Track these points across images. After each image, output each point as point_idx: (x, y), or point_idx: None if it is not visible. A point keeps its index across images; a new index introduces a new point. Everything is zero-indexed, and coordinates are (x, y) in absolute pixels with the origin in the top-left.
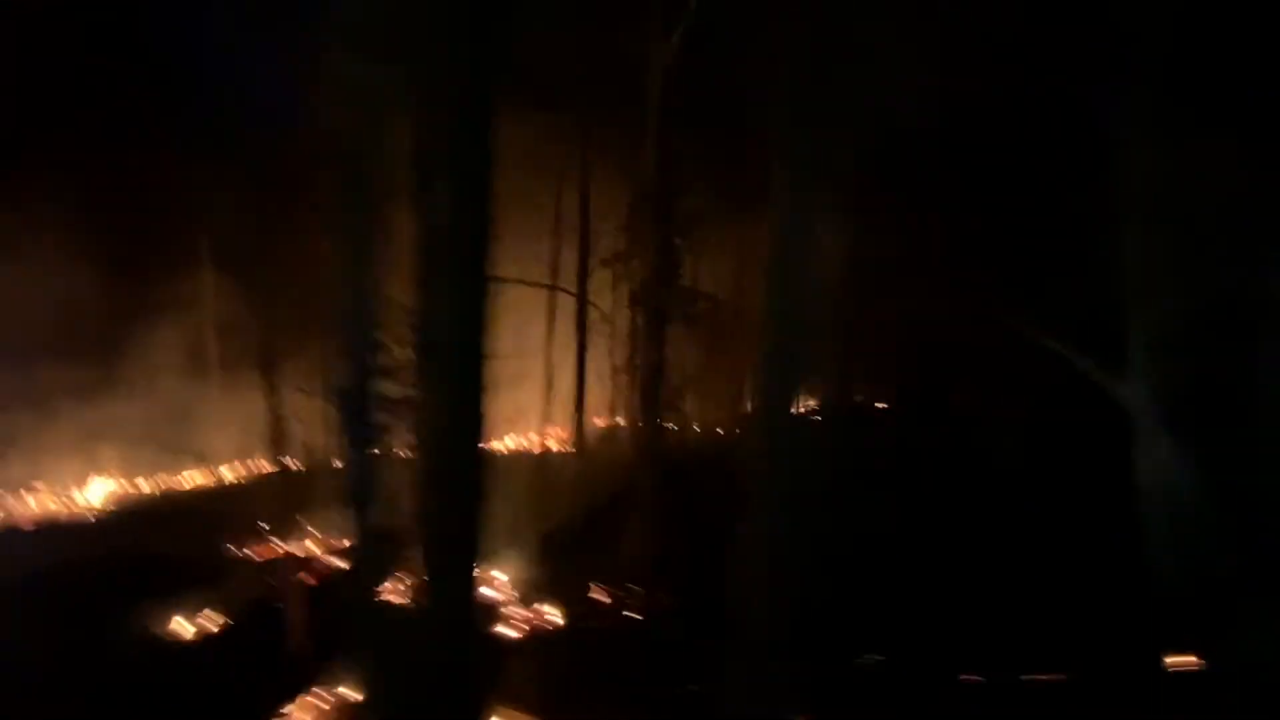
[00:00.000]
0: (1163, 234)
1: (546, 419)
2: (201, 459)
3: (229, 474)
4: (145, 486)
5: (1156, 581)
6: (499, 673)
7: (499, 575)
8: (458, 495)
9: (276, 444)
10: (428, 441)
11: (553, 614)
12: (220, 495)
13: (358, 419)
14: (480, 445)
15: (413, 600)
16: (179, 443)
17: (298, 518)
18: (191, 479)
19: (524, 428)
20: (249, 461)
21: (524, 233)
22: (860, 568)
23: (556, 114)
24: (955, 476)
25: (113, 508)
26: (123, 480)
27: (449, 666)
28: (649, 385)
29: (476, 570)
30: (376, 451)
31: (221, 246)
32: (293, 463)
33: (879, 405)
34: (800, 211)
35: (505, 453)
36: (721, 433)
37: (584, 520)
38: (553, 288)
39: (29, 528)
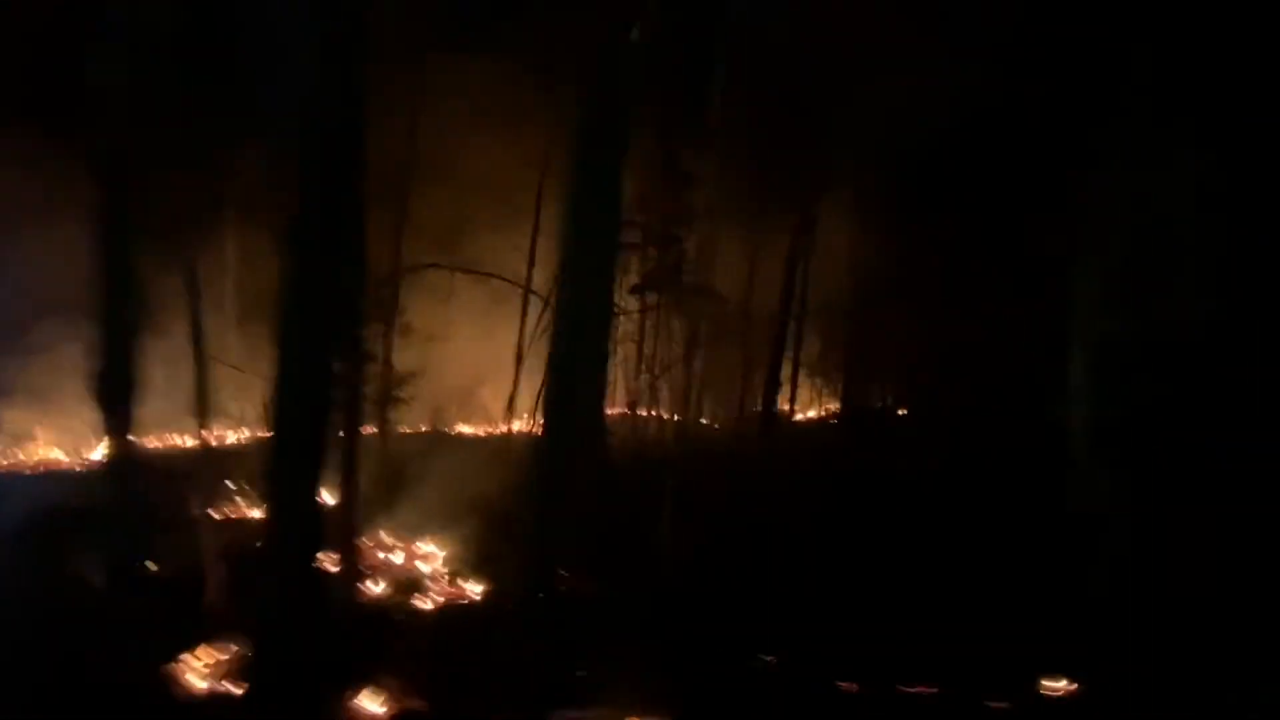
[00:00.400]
0: (1112, 259)
1: (515, 408)
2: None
3: (178, 440)
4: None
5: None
6: (390, 640)
7: (434, 550)
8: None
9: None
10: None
11: (473, 590)
12: (177, 456)
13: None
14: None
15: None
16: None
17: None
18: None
19: (491, 415)
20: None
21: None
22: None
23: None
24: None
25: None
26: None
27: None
28: (588, 387)
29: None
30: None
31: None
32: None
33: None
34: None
35: (466, 436)
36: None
37: (531, 505)
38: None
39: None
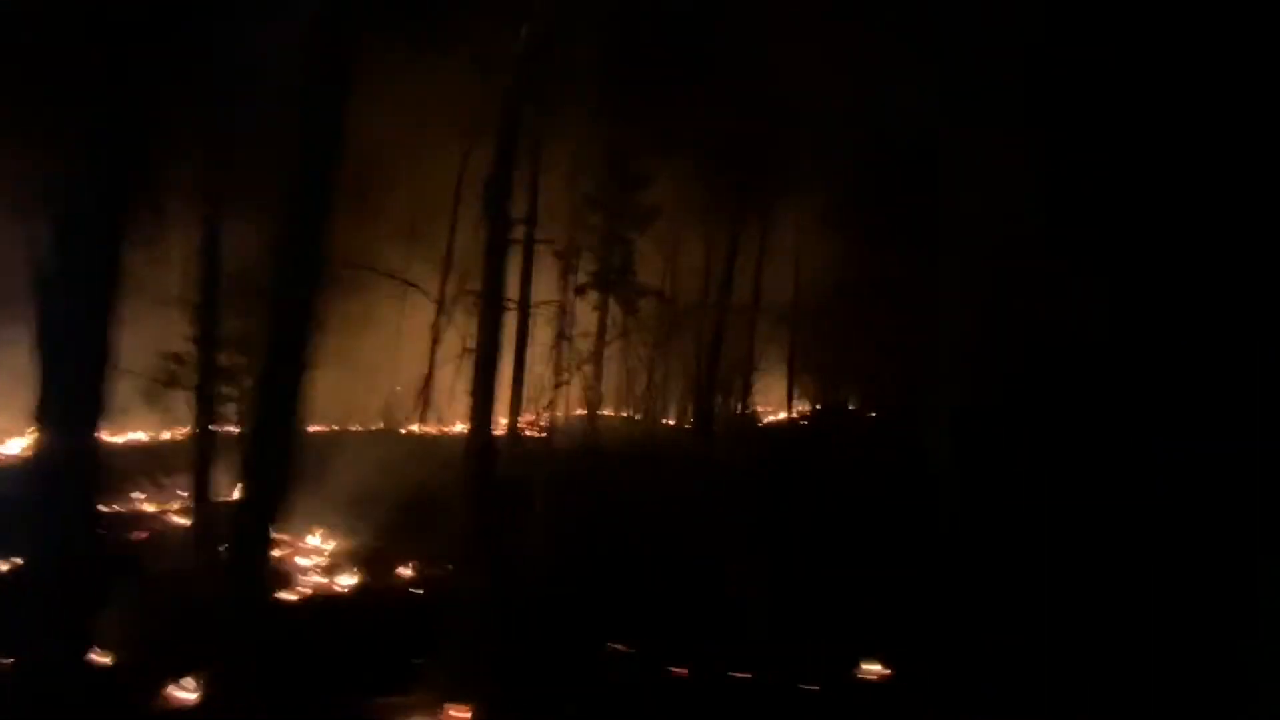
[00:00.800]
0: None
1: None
2: None
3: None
4: None
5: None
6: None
7: (319, 543)
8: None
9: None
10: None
11: (344, 583)
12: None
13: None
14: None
15: None
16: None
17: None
18: None
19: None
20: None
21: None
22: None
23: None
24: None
25: None
26: None
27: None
28: (480, 377)
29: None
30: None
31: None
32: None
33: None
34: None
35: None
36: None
37: (426, 501)
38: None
39: None
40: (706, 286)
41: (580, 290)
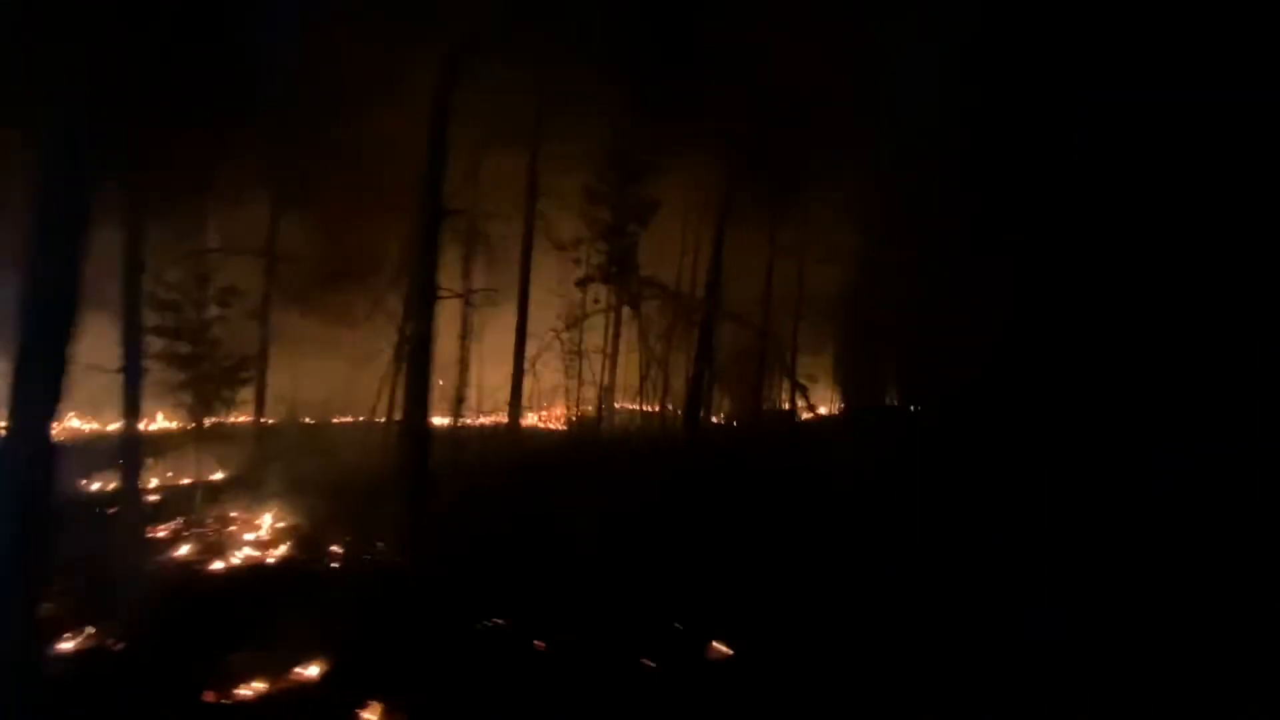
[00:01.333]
0: None
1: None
2: None
3: None
4: None
5: None
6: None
7: (271, 522)
8: None
9: None
10: None
11: (275, 556)
12: None
13: None
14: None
15: None
16: None
17: None
18: None
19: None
20: None
21: None
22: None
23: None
24: None
25: None
26: None
27: None
28: (412, 371)
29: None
30: None
31: None
32: None
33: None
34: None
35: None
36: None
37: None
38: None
39: None
40: (715, 282)
41: (582, 283)
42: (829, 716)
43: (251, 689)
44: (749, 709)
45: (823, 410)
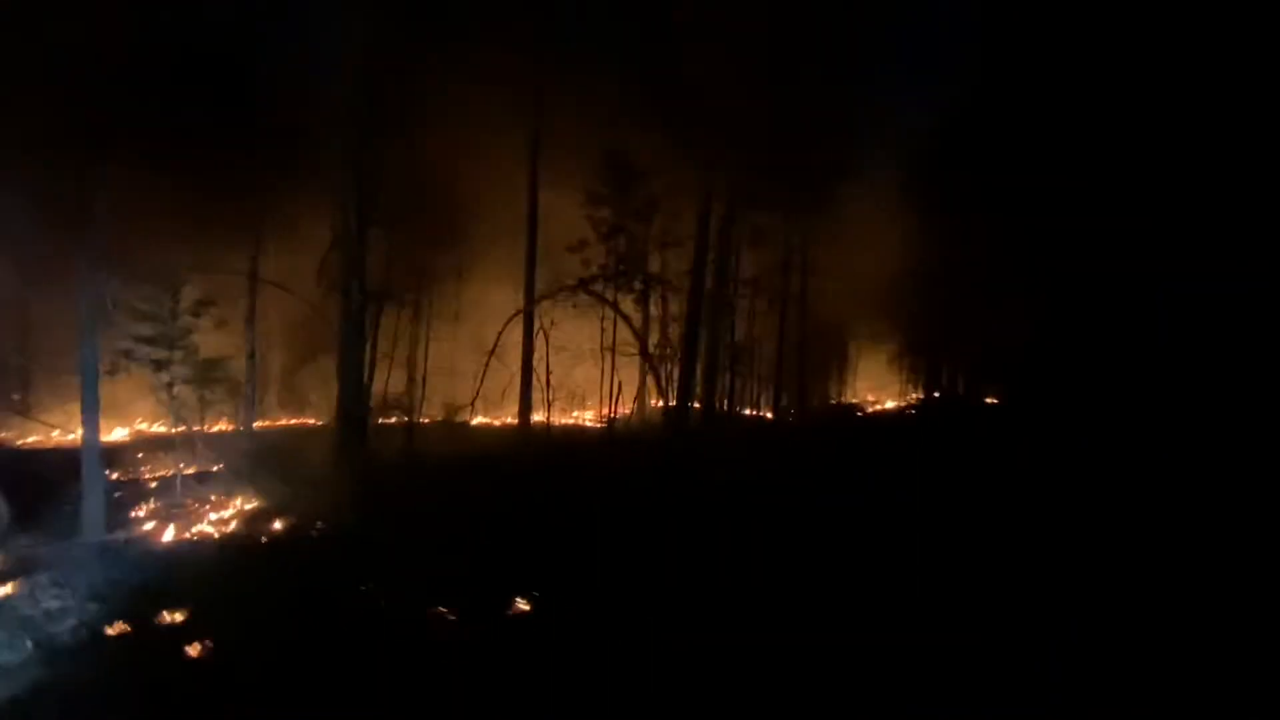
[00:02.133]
0: None
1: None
2: None
3: None
4: None
5: None
6: None
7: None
8: None
9: None
10: None
11: (222, 531)
12: None
13: None
14: None
15: None
16: None
17: None
18: None
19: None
20: None
21: None
22: None
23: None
24: None
25: None
26: None
27: None
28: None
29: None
30: None
31: None
32: None
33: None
34: None
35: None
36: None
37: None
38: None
39: None
40: (729, 276)
41: (586, 282)
42: None
43: None
44: None
45: (890, 404)
